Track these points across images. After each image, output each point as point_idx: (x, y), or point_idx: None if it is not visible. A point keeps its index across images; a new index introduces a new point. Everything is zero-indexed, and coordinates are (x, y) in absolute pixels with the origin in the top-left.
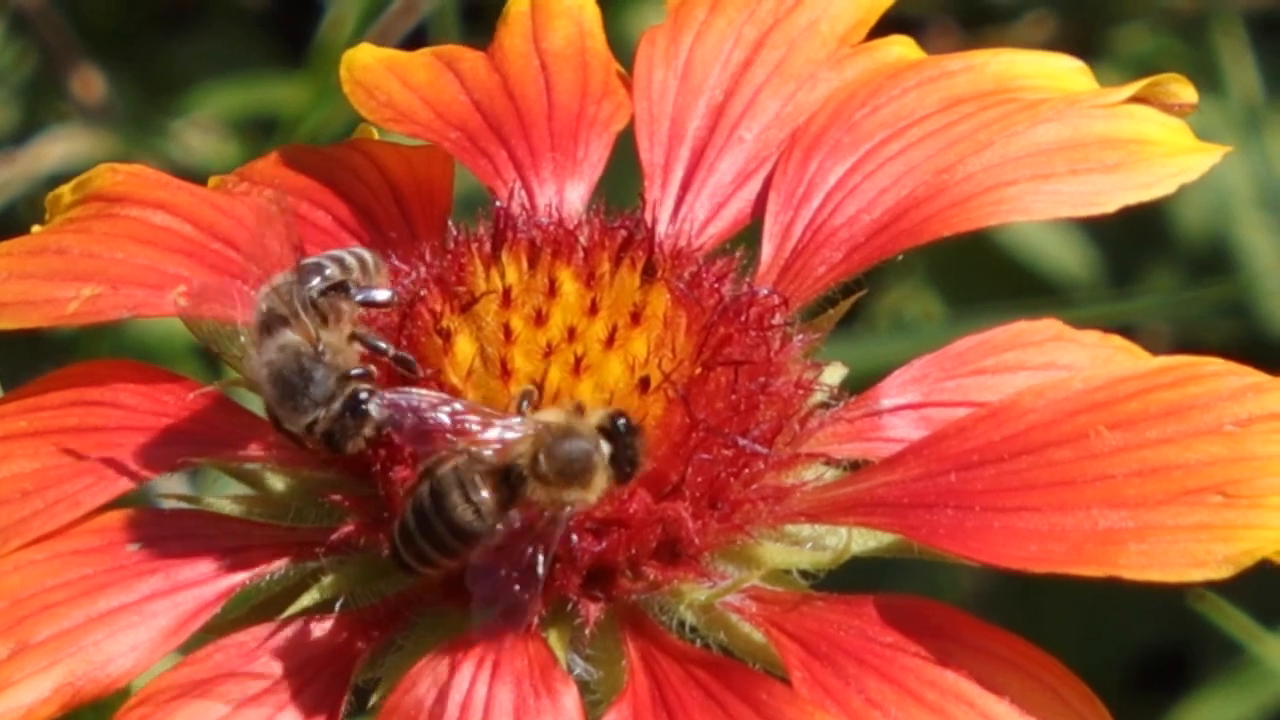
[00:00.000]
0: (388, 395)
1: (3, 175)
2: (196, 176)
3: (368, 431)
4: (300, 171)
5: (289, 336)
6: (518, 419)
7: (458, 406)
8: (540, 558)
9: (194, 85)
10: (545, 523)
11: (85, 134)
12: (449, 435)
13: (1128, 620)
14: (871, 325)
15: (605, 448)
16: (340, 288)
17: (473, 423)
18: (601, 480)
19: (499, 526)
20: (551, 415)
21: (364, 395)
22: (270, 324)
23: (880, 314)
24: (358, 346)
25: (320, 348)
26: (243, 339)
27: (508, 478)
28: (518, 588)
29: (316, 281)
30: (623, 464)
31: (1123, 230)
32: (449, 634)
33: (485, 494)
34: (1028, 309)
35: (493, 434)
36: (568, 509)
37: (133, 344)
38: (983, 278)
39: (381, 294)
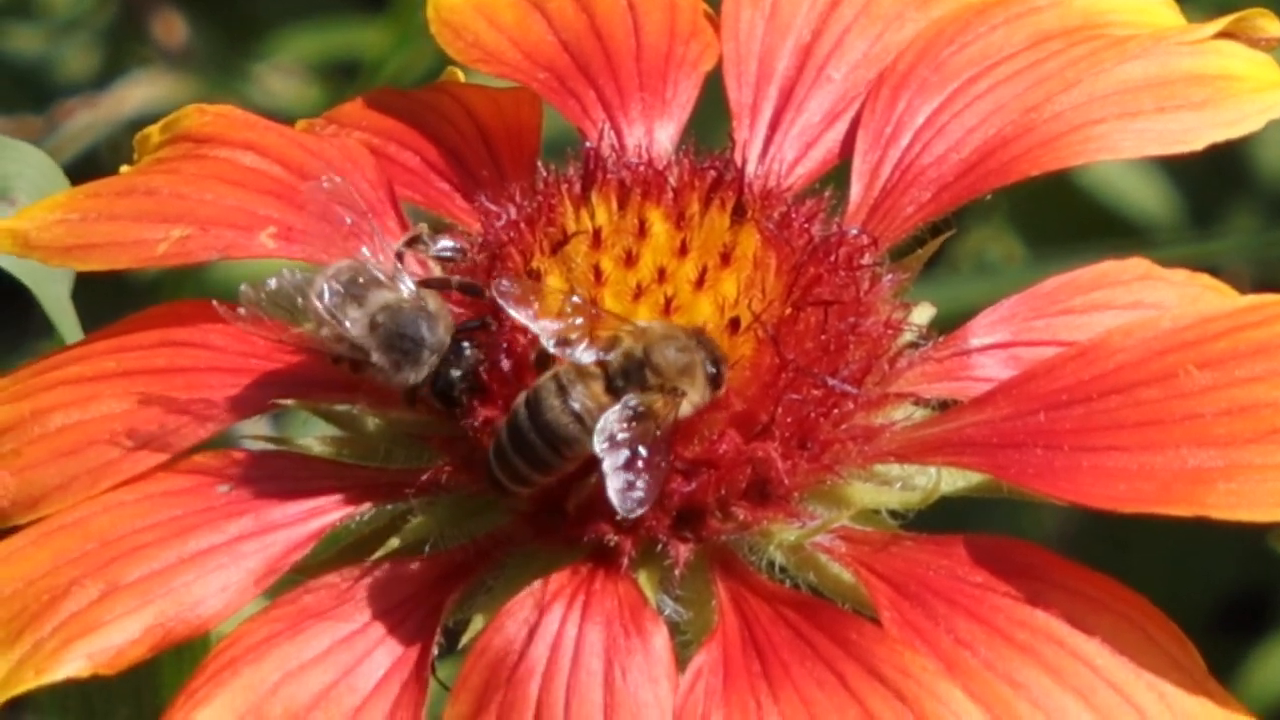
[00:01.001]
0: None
1: (84, 119)
2: (278, 121)
3: (471, 374)
4: (388, 114)
5: (387, 296)
6: (615, 319)
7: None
8: (660, 444)
9: (275, 28)
10: (654, 423)
11: (166, 78)
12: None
13: (1212, 562)
14: (954, 268)
15: (699, 353)
16: (412, 243)
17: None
18: (701, 382)
19: (600, 436)
20: (648, 322)
21: (463, 344)
22: (356, 294)
23: (962, 256)
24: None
25: (420, 299)
26: (321, 308)
27: (610, 382)
28: (643, 471)
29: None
30: (709, 371)
31: (1203, 170)
32: (539, 574)
33: (587, 400)
34: (1109, 250)
35: (587, 343)
36: (676, 408)
37: (216, 287)
38: (1064, 219)
39: (448, 244)
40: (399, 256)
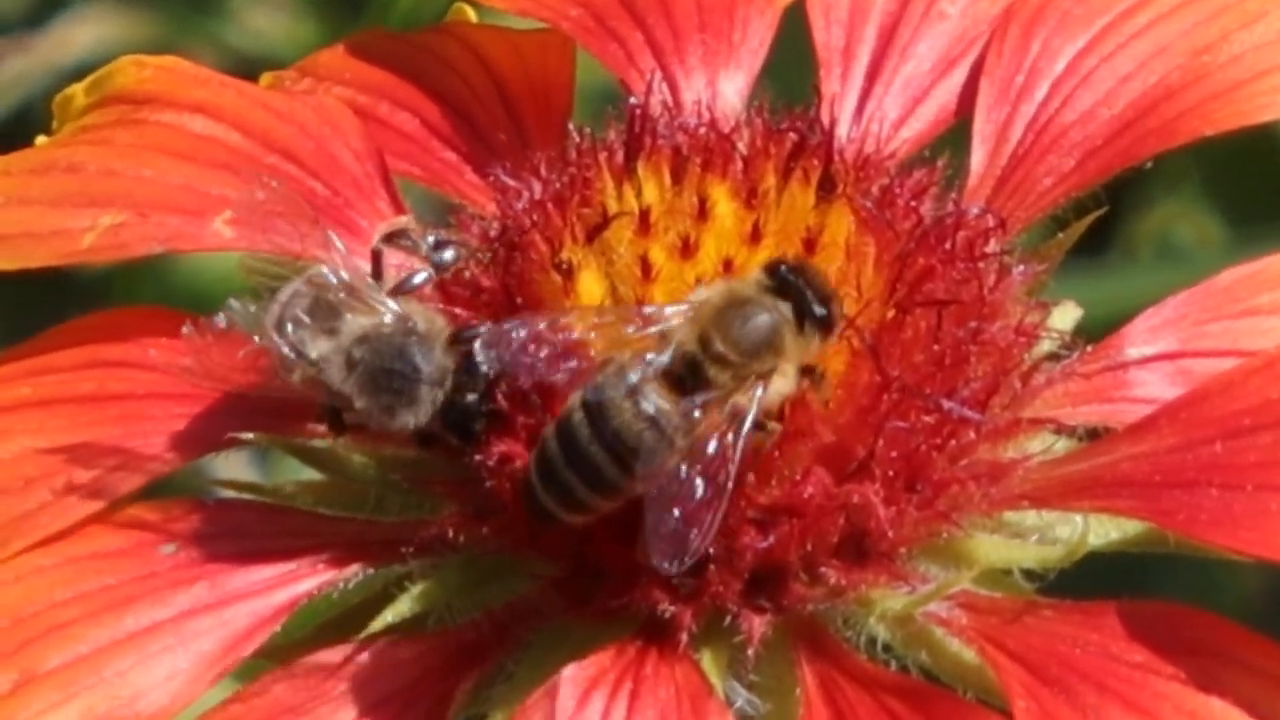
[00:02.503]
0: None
1: (16, 67)
2: (261, 69)
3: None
4: (379, 64)
5: (361, 322)
6: (667, 307)
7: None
8: (729, 466)
9: None
10: (731, 421)
11: (119, 14)
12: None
13: None
14: (1129, 253)
15: (783, 306)
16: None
17: (612, 329)
18: (795, 345)
19: (679, 441)
20: (704, 292)
21: (479, 358)
22: (324, 323)
23: (1141, 238)
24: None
25: (405, 319)
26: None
27: (680, 376)
28: (698, 500)
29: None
30: (812, 314)
31: None
32: (573, 655)
33: (661, 401)
34: None
35: (643, 331)
36: (761, 392)
37: (181, 284)
38: (1274, 189)
39: (448, 252)
40: (376, 256)
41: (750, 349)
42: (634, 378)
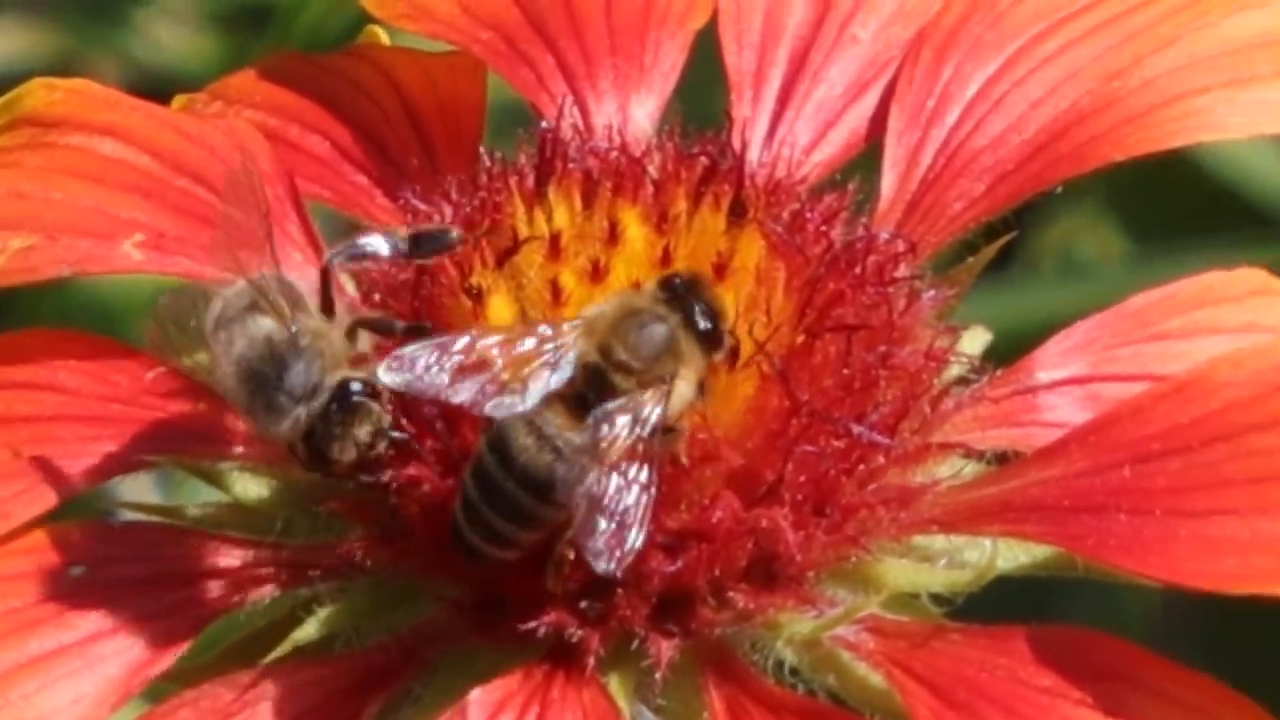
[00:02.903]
0: (390, 364)
1: None
2: (166, 82)
3: (363, 433)
4: (290, 87)
5: (259, 323)
6: (558, 326)
7: (472, 342)
8: (649, 464)
9: None
10: (639, 426)
11: (21, 27)
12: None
13: None
14: (1032, 267)
15: (674, 318)
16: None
17: (501, 353)
18: (693, 354)
19: (587, 461)
20: (597, 307)
21: (356, 385)
22: (236, 317)
23: (1044, 252)
24: (362, 339)
25: (295, 329)
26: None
27: (581, 394)
28: (626, 507)
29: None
30: (697, 328)
31: None
32: (480, 679)
33: (563, 430)
34: (1236, 245)
35: (540, 349)
36: (665, 400)
37: (85, 303)
38: (1177, 204)
39: (374, 241)
40: (324, 274)
41: (650, 355)
42: (530, 411)
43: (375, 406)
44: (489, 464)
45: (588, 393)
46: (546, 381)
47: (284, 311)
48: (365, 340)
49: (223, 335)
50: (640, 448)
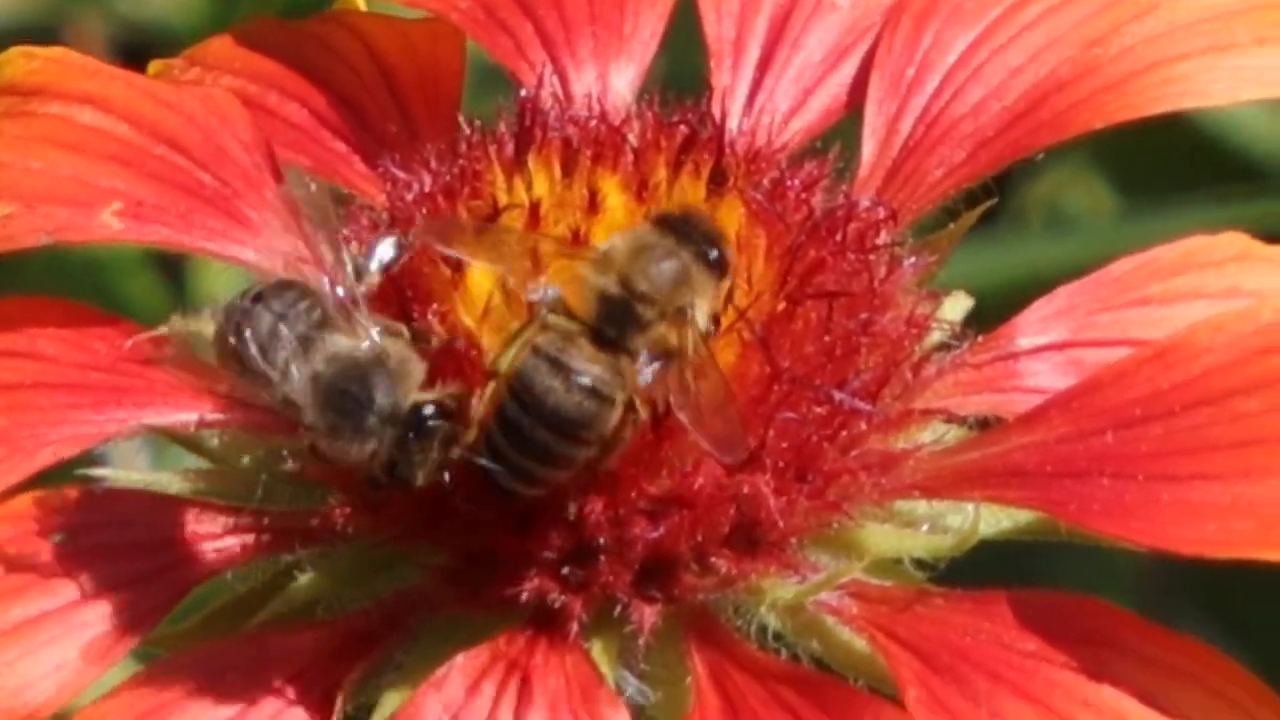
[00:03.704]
0: None
1: None
2: (151, 40)
3: (445, 454)
4: (268, 54)
5: (338, 341)
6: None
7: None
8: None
9: None
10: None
11: None
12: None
13: None
14: (1020, 221)
15: (684, 249)
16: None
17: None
18: (705, 282)
19: (619, 396)
20: (605, 244)
21: (432, 409)
22: (308, 334)
23: (1032, 205)
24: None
25: (382, 352)
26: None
27: (600, 330)
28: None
29: (372, 266)
30: (707, 256)
31: None
32: (464, 645)
33: (591, 365)
34: (1223, 199)
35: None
36: (693, 328)
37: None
38: (1166, 159)
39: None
40: (357, 274)
41: (670, 286)
42: (554, 353)
43: (457, 426)
44: (513, 414)
45: (607, 326)
46: (560, 333)
47: (366, 329)
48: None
49: (286, 353)
50: (686, 374)
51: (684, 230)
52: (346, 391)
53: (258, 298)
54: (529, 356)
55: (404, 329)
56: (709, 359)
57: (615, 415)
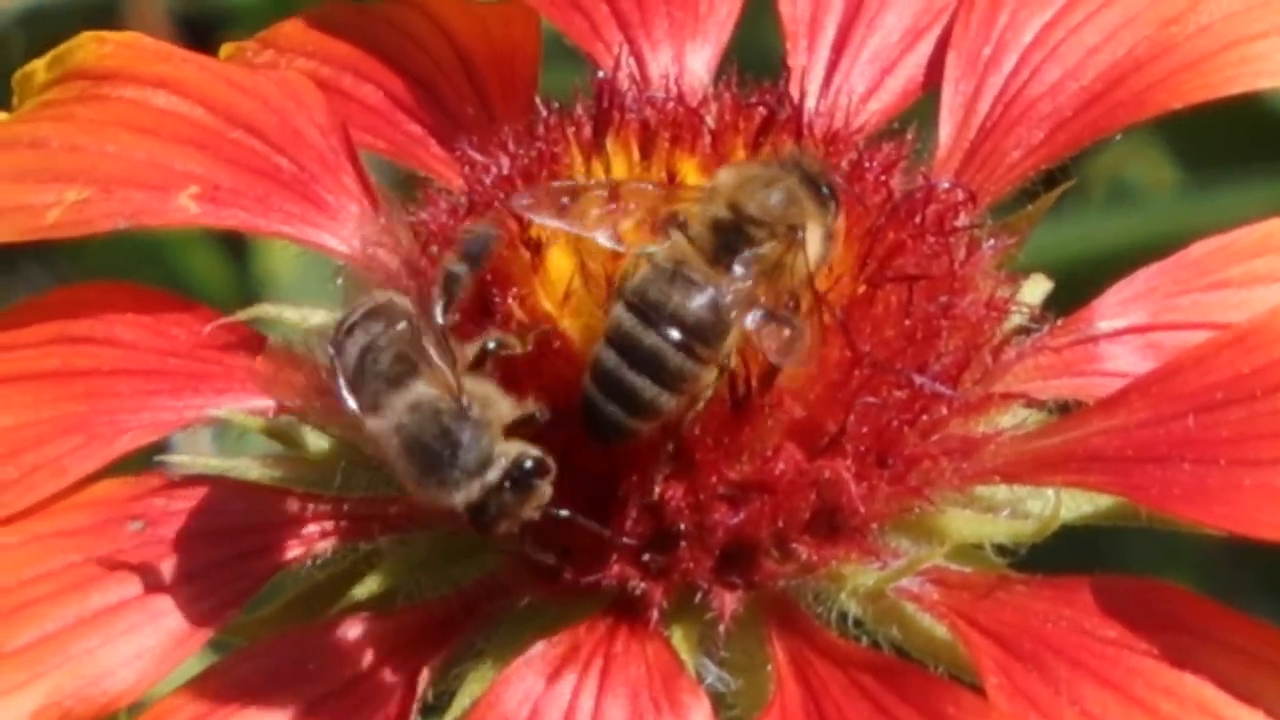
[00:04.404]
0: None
1: None
2: (212, 16)
3: (531, 511)
4: (341, 36)
5: (422, 392)
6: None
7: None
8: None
9: None
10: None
11: None
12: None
13: None
14: (1083, 195)
15: (790, 176)
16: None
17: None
18: (814, 209)
19: (735, 314)
20: (711, 180)
21: (530, 464)
22: (394, 381)
23: (1094, 178)
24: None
25: (465, 400)
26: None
27: (714, 248)
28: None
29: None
30: (818, 187)
31: None
32: (543, 632)
33: (709, 273)
34: None
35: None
36: (801, 247)
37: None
38: (1229, 131)
39: (479, 237)
40: (450, 280)
41: (779, 208)
42: (669, 265)
43: (545, 485)
44: (629, 327)
45: (721, 252)
46: (675, 248)
47: (449, 381)
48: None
49: (373, 395)
50: (788, 290)
51: (791, 162)
52: (430, 447)
53: (349, 330)
54: (647, 270)
55: (493, 339)
56: (810, 282)
57: (730, 338)
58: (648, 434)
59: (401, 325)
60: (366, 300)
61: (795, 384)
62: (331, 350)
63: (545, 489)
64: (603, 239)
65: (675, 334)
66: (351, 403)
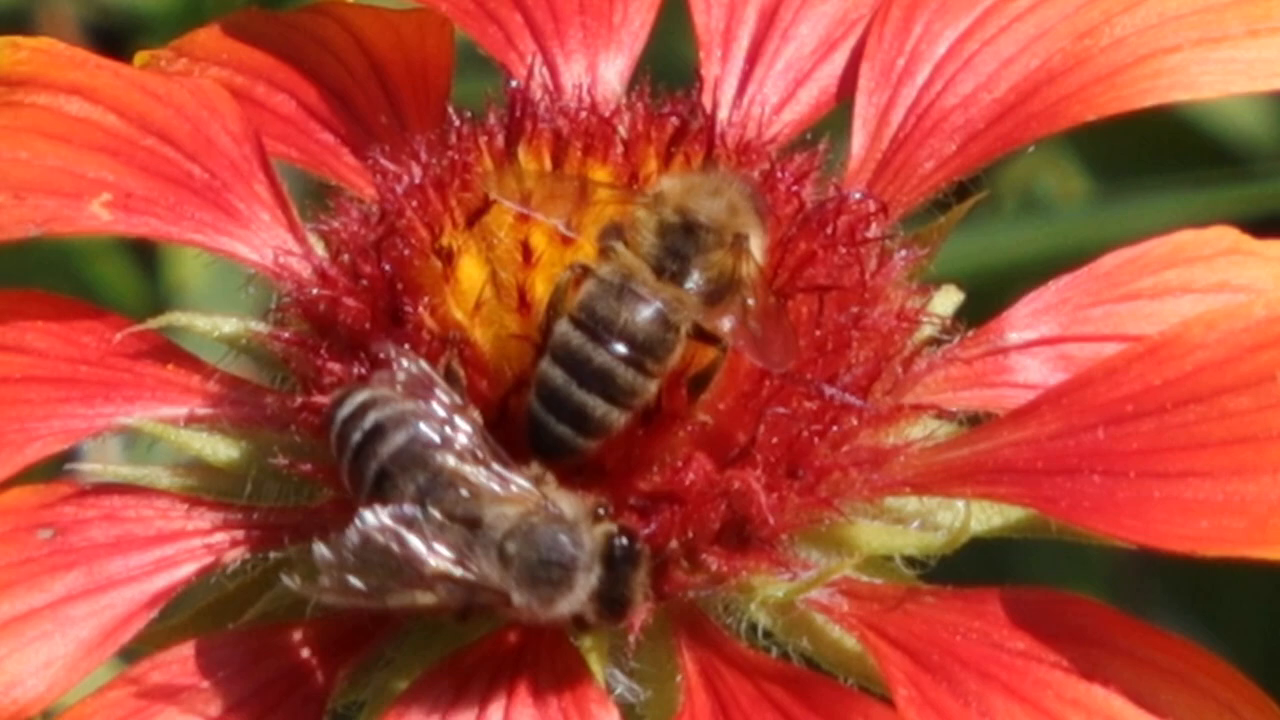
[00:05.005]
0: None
1: None
2: (124, 26)
3: (644, 574)
4: (255, 45)
5: (506, 512)
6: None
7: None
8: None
9: None
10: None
11: None
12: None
13: None
14: (993, 206)
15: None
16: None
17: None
18: (751, 216)
19: (684, 326)
20: (654, 188)
21: (622, 542)
22: (463, 513)
23: (1005, 189)
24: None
25: (549, 506)
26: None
27: (665, 261)
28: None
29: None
30: (749, 195)
31: None
32: (453, 643)
33: (657, 288)
34: (1197, 184)
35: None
36: (747, 256)
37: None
38: (1139, 142)
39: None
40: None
41: (727, 213)
42: (616, 280)
43: (642, 547)
44: (578, 343)
45: (668, 259)
46: (620, 263)
47: (513, 490)
48: None
49: (455, 547)
50: (744, 299)
51: (725, 176)
52: (549, 563)
53: (385, 496)
54: (593, 285)
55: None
56: (764, 284)
57: (679, 345)
58: (593, 449)
59: (439, 459)
60: (392, 445)
61: (708, 395)
62: (389, 529)
63: (644, 549)
64: (560, 226)
65: (624, 350)
66: (431, 564)
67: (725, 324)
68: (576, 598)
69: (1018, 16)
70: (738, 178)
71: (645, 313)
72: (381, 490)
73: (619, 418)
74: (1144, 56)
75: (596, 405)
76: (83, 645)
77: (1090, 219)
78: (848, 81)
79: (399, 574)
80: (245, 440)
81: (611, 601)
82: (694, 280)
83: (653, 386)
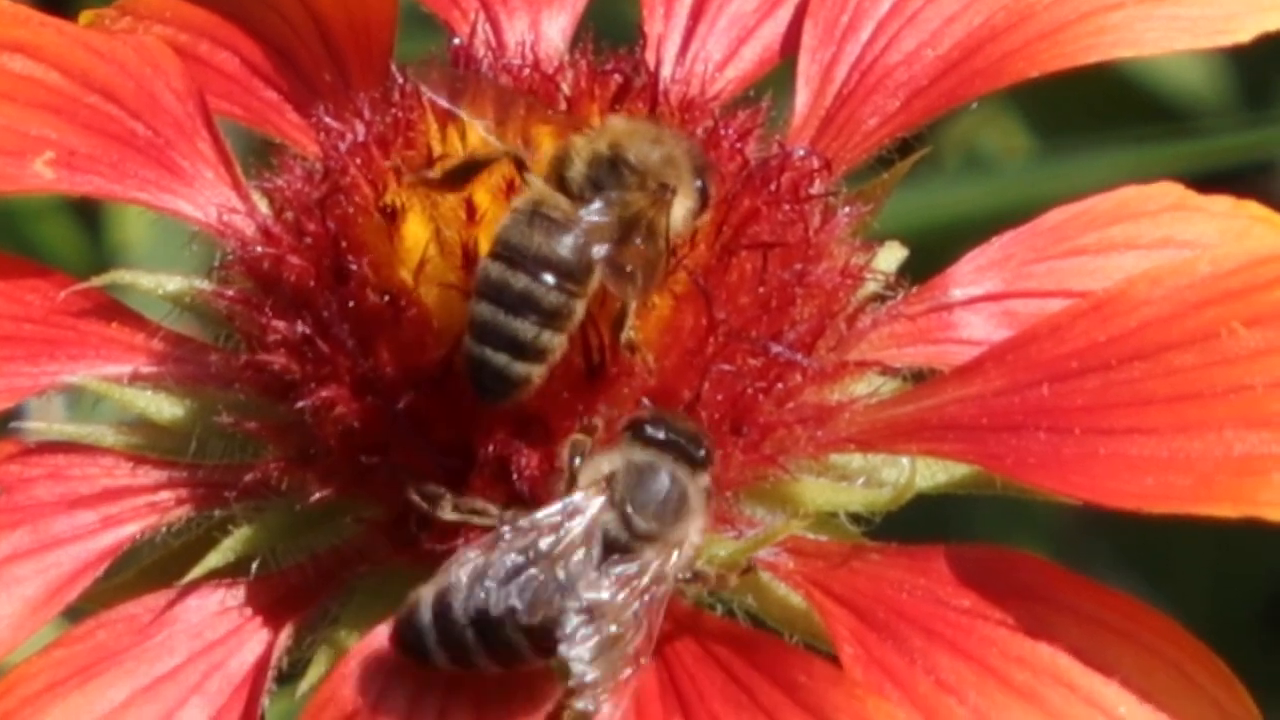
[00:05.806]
0: None
1: None
2: None
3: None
4: (199, 3)
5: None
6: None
7: None
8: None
9: None
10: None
11: None
12: None
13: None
14: (935, 163)
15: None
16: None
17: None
18: (688, 181)
19: (603, 235)
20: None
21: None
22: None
23: (948, 146)
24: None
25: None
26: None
27: (579, 195)
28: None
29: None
30: (695, 167)
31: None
32: (399, 600)
33: (566, 207)
34: (1141, 140)
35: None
36: (667, 208)
37: None
38: (1082, 99)
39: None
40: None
41: (658, 164)
42: (527, 208)
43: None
44: (498, 273)
45: (586, 189)
46: (535, 190)
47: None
48: None
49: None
50: (640, 245)
51: (675, 134)
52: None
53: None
54: (506, 218)
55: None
56: (667, 245)
57: (597, 270)
58: (537, 382)
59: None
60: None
61: (651, 352)
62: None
63: None
64: (482, 127)
65: (542, 272)
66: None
67: (598, 251)
68: None
69: None
70: (688, 139)
71: (557, 235)
72: None
73: (552, 339)
74: (1087, 13)
75: (528, 329)
76: (28, 604)
77: (1033, 176)
78: (791, 38)
79: None
80: (190, 398)
81: None
82: (595, 209)
83: (578, 306)
